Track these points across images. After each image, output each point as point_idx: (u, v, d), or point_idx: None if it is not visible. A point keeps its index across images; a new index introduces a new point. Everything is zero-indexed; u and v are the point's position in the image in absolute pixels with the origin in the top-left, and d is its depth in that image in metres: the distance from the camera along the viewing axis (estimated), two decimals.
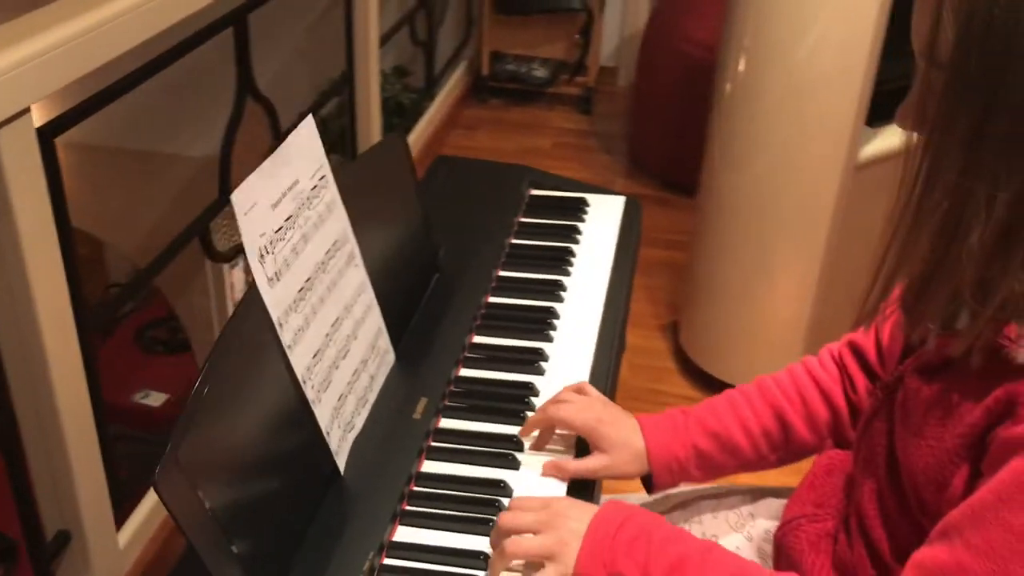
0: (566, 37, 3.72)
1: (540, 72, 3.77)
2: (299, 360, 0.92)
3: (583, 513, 0.87)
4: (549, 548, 0.85)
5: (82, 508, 1.40)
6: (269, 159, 0.94)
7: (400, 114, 3.16)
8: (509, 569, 0.87)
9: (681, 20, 3.09)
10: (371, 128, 2.60)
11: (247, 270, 2.03)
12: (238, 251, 1.97)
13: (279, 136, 2.04)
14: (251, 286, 0.88)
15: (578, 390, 1.04)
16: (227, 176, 1.82)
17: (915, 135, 0.72)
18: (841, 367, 1.02)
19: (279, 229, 0.93)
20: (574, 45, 3.72)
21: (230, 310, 2.68)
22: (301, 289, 0.95)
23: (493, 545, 0.89)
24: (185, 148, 2.32)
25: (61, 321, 1.28)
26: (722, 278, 2.19)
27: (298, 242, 0.96)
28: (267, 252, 0.90)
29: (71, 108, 1.31)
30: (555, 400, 1.03)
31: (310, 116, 1.03)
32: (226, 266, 2.28)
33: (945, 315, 0.72)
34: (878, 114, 1.99)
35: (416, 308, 1.22)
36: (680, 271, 2.48)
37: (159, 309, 4.66)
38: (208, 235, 1.77)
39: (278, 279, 0.91)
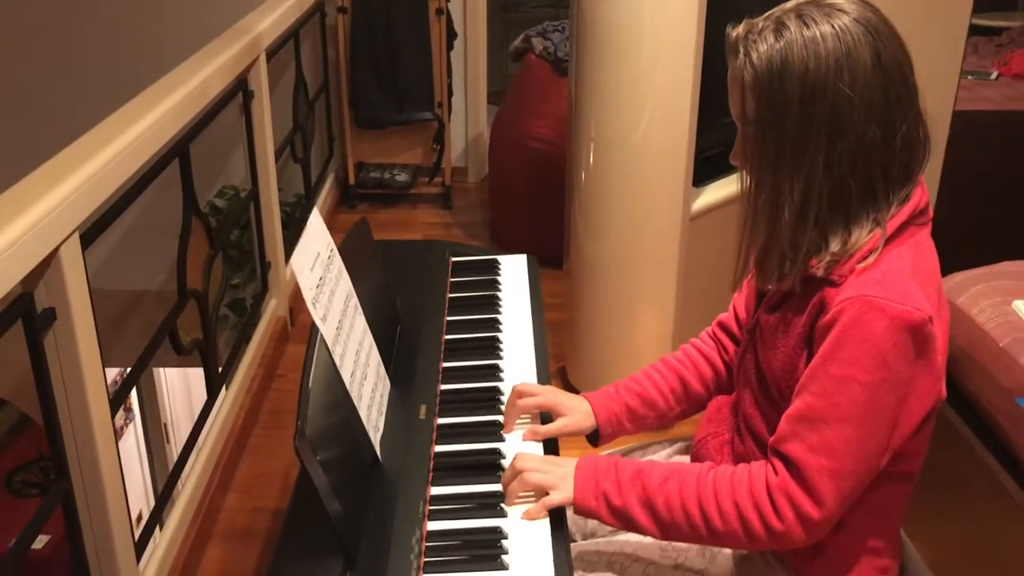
0: (422, 144, 4.19)
1: (401, 177, 4.21)
2: (346, 376, 1.28)
3: (570, 461, 1.26)
4: (554, 483, 1.23)
5: (119, 565, 1.66)
6: (301, 239, 1.31)
7: (286, 225, 3.51)
8: (521, 499, 1.25)
9: (524, 120, 3.59)
10: (275, 237, 2.94)
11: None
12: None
13: (213, 245, 2.37)
14: (312, 326, 1.24)
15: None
16: (183, 278, 2.13)
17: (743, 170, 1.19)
18: (715, 339, 1.48)
19: (318, 285, 1.30)
20: (430, 150, 4.19)
21: None
22: (339, 327, 1.31)
23: (506, 483, 1.26)
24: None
25: None
26: (599, 324, 2.64)
27: (330, 294, 1.32)
28: (317, 300, 1.26)
29: None
30: (517, 393, 1.42)
31: (316, 210, 1.41)
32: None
33: (779, 267, 1.17)
34: (700, 176, 2.52)
35: (393, 348, 1.59)
36: (559, 327, 2.92)
37: (28, 451, 4.69)
38: (176, 331, 2.07)
39: (325, 320, 1.27)
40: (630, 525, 1.23)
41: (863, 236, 1.14)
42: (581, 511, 1.25)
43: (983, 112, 3.36)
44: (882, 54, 1.12)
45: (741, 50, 1.15)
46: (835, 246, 1.15)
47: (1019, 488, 1.81)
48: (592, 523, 1.50)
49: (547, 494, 1.24)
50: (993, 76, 3.95)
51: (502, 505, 1.26)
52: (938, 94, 2.60)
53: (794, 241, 1.15)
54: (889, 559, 1.31)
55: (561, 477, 1.24)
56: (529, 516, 1.22)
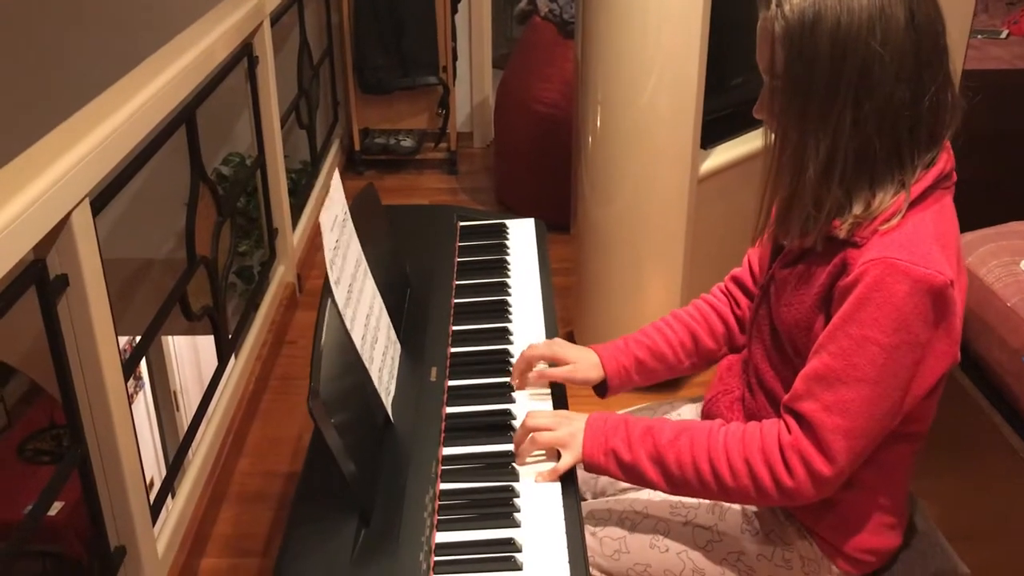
0: (427, 109, 4.18)
1: (407, 142, 4.20)
2: (357, 339, 1.28)
3: (580, 417, 1.27)
4: (564, 440, 1.24)
5: (136, 527, 1.68)
6: (327, 199, 1.31)
7: (292, 193, 3.51)
8: (534, 459, 1.26)
9: (529, 85, 3.58)
10: (282, 204, 2.95)
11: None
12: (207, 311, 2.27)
13: (221, 212, 2.38)
14: (324, 288, 1.25)
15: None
16: (192, 245, 2.14)
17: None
18: (727, 293, 1.48)
19: (335, 247, 1.30)
20: (435, 116, 4.18)
21: None
22: (349, 290, 1.31)
23: (518, 443, 1.27)
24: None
25: None
26: (607, 289, 2.65)
27: (343, 258, 1.33)
28: (334, 261, 1.27)
29: None
30: (526, 349, 1.43)
31: (337, 173, 1.41)
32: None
33: (802, 224, 1.18)
34: (708, 138, 2.51)
35: (403, 312, 1.60)
36: (566, 292, 2.92)
37: (40, 419, 4.73)
38: (186, 298, 2.08)
39: (338, 283, 1.28)
40: (640, 480, 1.25)
41: (887, 199, 1.14)
42: (591, 467, 1.26)
43: (993, 71, 3.33)
44: (916, 13, 1.10)
45: (773, 1, 1.13)
46: (859, 208, 1.14)
47: None
48: (602, 482, 1.52)
49: (558, 453, 1.25)
50: (1003, 35, 3.92)
51: (514, 465, 1.27)
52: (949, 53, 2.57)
53: (818, 199, 1.15)
54: (897, 516, 1.32)
55: (571, 435, 1.26)
56: (543, 479, 1.24)
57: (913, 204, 1.14)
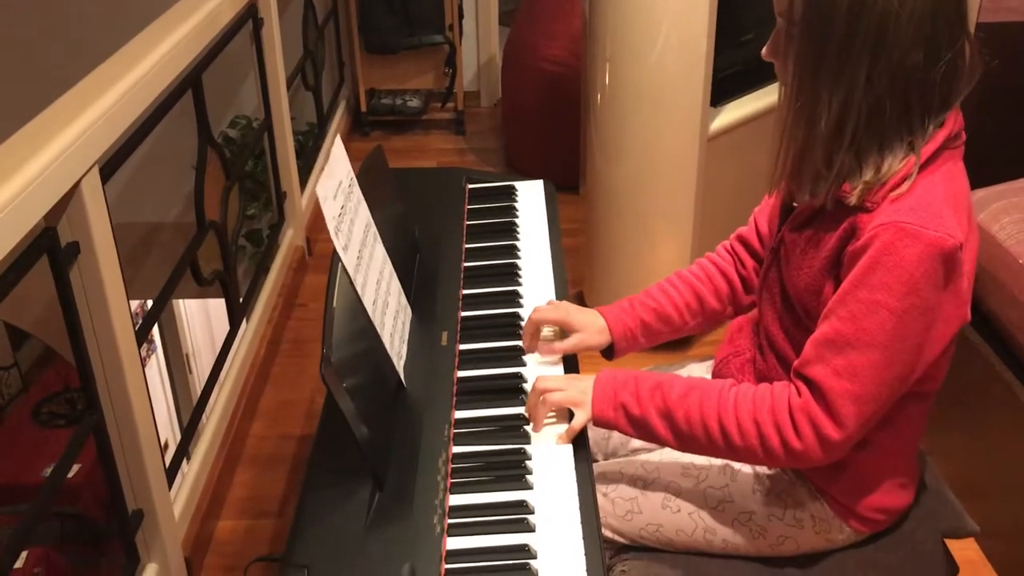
0: (433, 68, 4.15)
1: (414, 103, 4.17)
2: (368, 304, 1.29)
3: (589, 377, 1.28)
4: (575, 398, 1.25)
5: (152, 490, 1.71)
6: (326, 168, 1.31)
7: (300, 155, 3.50)
8: (548, 421, 1.27)
9: (536, 42, 3.55)
10: (290, 166, 2.94)
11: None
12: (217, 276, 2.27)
13: (229, 176, 2.37)
14: (333, 253, 1.25)
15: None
16: (201, 209, 2.14)
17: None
18: (732, 253, 1.48)
19: (340, 215, 1.30)
20: (441, 75, 4.15)
21: None
22: (359, 256, 1.31)
23: (530, 408, 1.28)
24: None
25: None
26: (616, 249, 2.64)
27: (351, 224, 1.32)
28: (339, 229, 1.27)
29: None
30: (533, 313, 1.43)
31: (339, 138, 1.40)
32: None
33: (813, 182, 1.17)
34: (718, 96, 2.49)
35: (412, 276, 1.60)
36: (575, 252, 2.92)
37: (54, 383, 4.77)
38: (197, 263, 2.09)
39: (346, 249, 1.28)
40: (649, 435, 1.25)
41: (896, 163, 1.13)
42: (600, 422, 1.27)
43: (1008, 24, 3.28)
44: None
45: None
46: (868, 173, 1.13)
47: None
48: (613, 443, 1.53)
49: (570, 413, 1.26)
50: None
51: (525, 428, 1.28)
52: None
53: (829, 157, 1.14)
54: (908, 475, 1.33)
55: (582, 392, 1.26)
56: (558, 442, 1.25)
57: (923, 167, 1.13)
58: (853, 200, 1.14)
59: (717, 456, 1.27)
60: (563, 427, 1.27)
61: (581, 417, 1.25)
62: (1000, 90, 3.09)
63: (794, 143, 1.17)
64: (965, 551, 1.95)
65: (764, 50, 1.20)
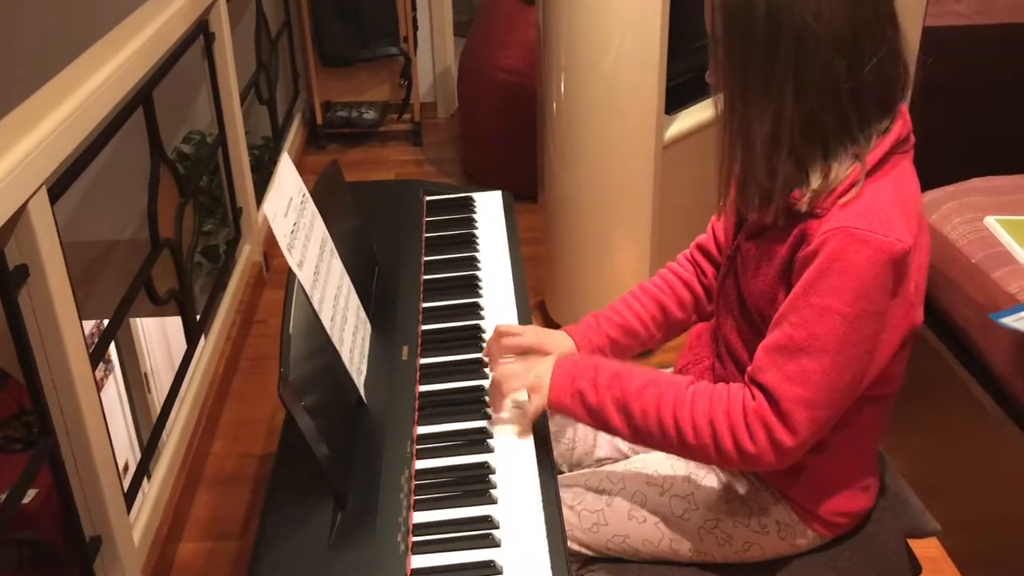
0: (389, 80, 4.13)
1: (370, 115, 4.15)
2: (326, 321, 1.27)
3: (548, 360, 1.28)
4: (531, 384, 1.26)
5: (110, 516, 1.67)
6: (273, 185, 1.29)
7: (255, 169, 3.46)
8: (510, 412, 1.29)
9: (492, 52, 3.54)
10: (245, 181, 2.91)
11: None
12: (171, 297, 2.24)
13: (183, 192, 2.34)
14: (290, 269, 1.23)
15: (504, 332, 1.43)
16: (155, 227, 2.10)
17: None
18: (693, 262, 1.48)
19: (292, 231, 1.28)
20: (397, 87, 4.13)
21: None
22: (316, 272, 1.30)
23: (491, 402, 1.29)
24: None
25: None
26: (576, 256, 2.65)
27: (305, 240, 1.31)
28: (293, 246, 1.25)
29: None
30: (499, 333, 1.42)
31: (286, 154, 1.39)
32: None
33: (760, 196, 1.17)
34: (672, 103, 2.50)
35: (371, 291, 1.59)
36: (535, 261, 2.92)
37: (10, 405, 4.67)
38: (151, 282, 2.05)
39: (302, 266, 1.26)
40: (604, 425, 1.25)
41: (843, 170, 1.14)
42: (556, 408, 1.27)
43: (952, 27, 3.34)
44: None
45: None
46: (816, 181, 1.14)
47: (992, 401, 1.85)
48: (578, 453, 1.53)
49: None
50: None
51: (489, 441, 1.27)
52: (908, 10, 2.57)
53: (771, 170, 1.15)
54: (869, 478, 1.34)
55: (539, 376, 1.26)
56: (516, 430, 1.26)
57: (871, 172, 1.14)
58: (803, 207, 1.15)
59: (672, 453, 1.26)
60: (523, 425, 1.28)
61: (537, 402, 1.26)
62: (947, 91, 3.15)
63: (735, 162, 1.18)
64: (927, 549, 1.97)
65: (707, 74, 1.20)
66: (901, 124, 1.17)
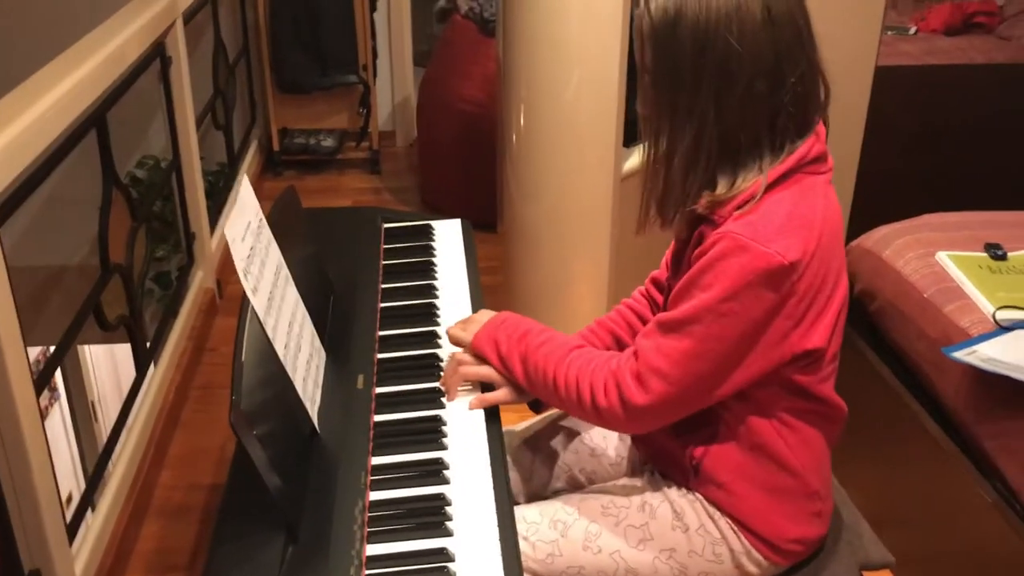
0: (348, 108, 4.12)
1: (328, 142, 4.13)
2: (280, 348, 1.25)
3: (488, 313, 1.42)
4: (468, 338, 1.40)
5: (51, 548, 1.62)
6: (235, 208, 1.27)
7: (210, 195, 3.42)
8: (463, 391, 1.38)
9: (452, 82, 3.55)
10: (199, 207, 2.87)
11: None
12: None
13: (136, 217, 2.30)
14: (244, 296, 1.21)
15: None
16: (106, 252, 2.06)
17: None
18: (648, 296, 1.50)
19: (249, 255, 1.26)
20: (356, 114, 4.12)
21: None
22: (270, 298, 1.28)
23: (447, 376, 1.39)
24: None
25: None
26: (535, 287, 2.65)
27: (260, 265, 1.29)
28: (249, 271, 1.23)
29: None
30: (456, 362, 1.40)
31: (246, 177, 1.37)
32: None
33: (674, 210, 1.24)
34: (630, 136, 2.52)
35: (327, 318, 1.56)
36: (494, 290, 2.90)
37: None
38: (101, 308, 2.01)
39: (256, 292, 1.24)
40: (510, 374, 1.37)
41: (747, 182, 1.20)
42: (475, 349, 1.39)
43: (903, 67, 3.43)
44: (772, 8, 1.15)
45: (642, 0, 1.19)
46: (721, 188, 1.20)
47: (943, 433, 1.87)
48: (534, 486, 1.51)
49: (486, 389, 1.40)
50: (912, 31, 4.03)
51: (445, 472, 1.25)
52: (861, 50, 2.63)
53: (687, 184, 1.21)
54: (822, 503, 1.34)
55: (477, 323, 1.41)
56: (473, 406, 1.37)
57: (772, 187, 1.19)
58: (701, 209, 1.21)
59: (554, 404, 1.38)
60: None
61: (482, 370, 1.39)
62: (898, 129, 3.22)
63: (656, 183, 1.24)
64: None
65: (637, 103, 1.27)
66: (811, 142, 1.22)
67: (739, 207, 1.19)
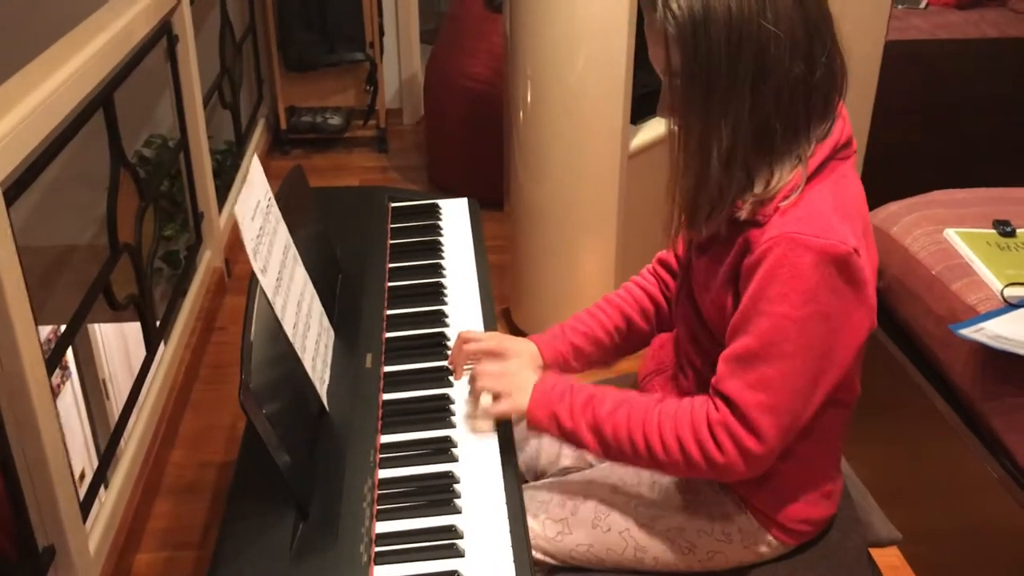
0: (355, 86, 4.11)
1: (335, 120, 4.13)
2: (288, 328, 1.26)
3: (528, 377, 1.30)
4: (507, 390, 1.29)
5: (65, 525, 1.64)
6: (244, 188, 1.27)
7: (217, 174, 3.42)
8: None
9: (459, 60, 3.54)
10: (207, 186, 2.87)
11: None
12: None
13: (144, 196, 2.31)
14: (252, 276, 1.21)
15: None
16: (114, 231, 2.07)
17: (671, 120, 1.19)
18: (656, 275, 1.49)
19: (258, 235, 1.27)
20: (363, 92, 4.11)
21: None
22: (278, 278, 1.28)
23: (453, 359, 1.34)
24: None
25: None
26: (541, 264, 2.65)
27: (269, 245, 1.29)
28: (258, 251, 1.23)
29: None
30: (462, 339, 1.41)
31: (256, 158, 1.37)
32: None
33: (708, 213, 1.18)
34: (638, 113, 2.51)
35: (335, 298, 1.57)
36: (501, 269, 2.91)
37: None
38: (110, 287, 2.02)
39: (265, 271, 1.24)
40: (578, 445, 1.28)
41: (785, 175, 1.15)
42: (532, 425, 1.29)
43: (913, 41, 3.39)
44: None
45: (659, 2, 1.11)
46: (759, 187, 1.15)
47: (951, 410, 1.87)
48: (543, 463, 1.52)
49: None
50: (922, 5, 3.99)
51: (453, 450, 1.26)
52: (871, 25, 2.61)
53: (721, 185, 1.15)
54: (831, 485, 1.34)
55: (518, 388, 1.29)
56: (480, 424, 1.30)
57: (810, 178, 1.15)
58: (744, 215, 1.16)
59: (647, 468, 1.28)
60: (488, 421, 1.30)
61: (505, 407, 1.28)
62: (908, 104, 3.19)
63: (688, 185, 1.18)
64: (888, 558, 1.99)
65: (658, 109, 1.20)
66: (840, 127, 1.19)
67: (782, 201, 1.14)
